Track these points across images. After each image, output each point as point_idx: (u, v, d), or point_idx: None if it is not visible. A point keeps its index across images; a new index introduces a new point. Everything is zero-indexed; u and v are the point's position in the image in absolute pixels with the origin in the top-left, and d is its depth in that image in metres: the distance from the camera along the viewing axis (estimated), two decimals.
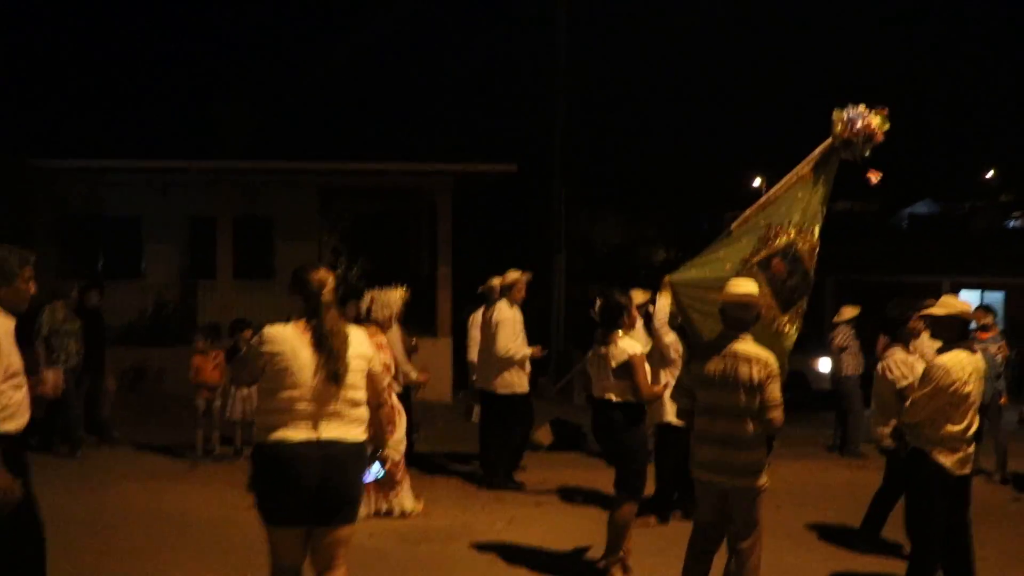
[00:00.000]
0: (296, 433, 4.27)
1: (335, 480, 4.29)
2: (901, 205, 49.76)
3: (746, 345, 5.29)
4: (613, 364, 6.34)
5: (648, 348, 7.74)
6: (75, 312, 10.15)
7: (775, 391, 5.21)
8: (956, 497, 5.64)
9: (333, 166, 17.68)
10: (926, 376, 5.61)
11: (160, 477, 9.15)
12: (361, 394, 4.45)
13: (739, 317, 5.37)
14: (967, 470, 5.66)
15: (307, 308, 4.41)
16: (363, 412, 4.46)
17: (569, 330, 18.93)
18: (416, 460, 9.59)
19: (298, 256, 18.04)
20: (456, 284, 17.09)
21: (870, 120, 6.57)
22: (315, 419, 4.30)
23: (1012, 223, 50.07)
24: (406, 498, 7.89)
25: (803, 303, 6.98)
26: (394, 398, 7.91)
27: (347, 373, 4.35)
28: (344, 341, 4.37)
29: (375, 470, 4.75)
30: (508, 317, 9.00)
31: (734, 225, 6.85)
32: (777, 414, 5.20)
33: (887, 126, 6.63)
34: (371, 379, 4.53)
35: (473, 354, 9.97)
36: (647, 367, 6.52)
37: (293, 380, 4.30)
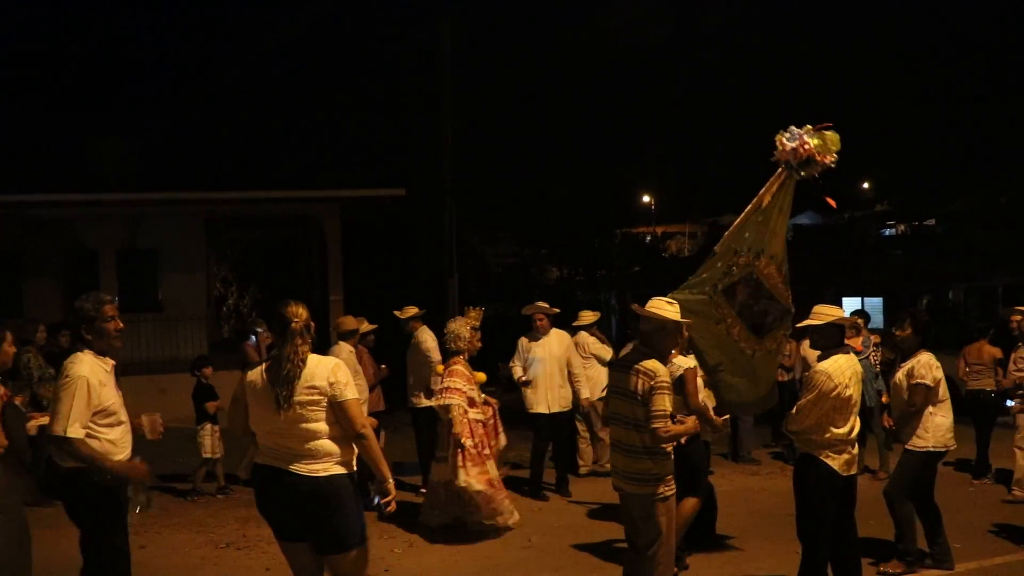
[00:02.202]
0: (262, 460, 4.60)
1: (303, 510, 4.48)
2: None
3: (646, 359, 5.39)
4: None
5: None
6: (45, 356, 9.51)
7: (660, 403, 5.26)
8: (843, 497, 5.83)
9: (217, 195, 17.36)
10: (809, 383, 5.79)
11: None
12: (316, 426, 4.48)
13: (646, 331, 5.55)
14: (853, 471, 5.87)
15: (277, 340, 4.58)
16: (323, 445, 4.49)
17: None
18: None
19: (186, 287, 17.68)
20: (349, 310, 16.92)
21: (806, 141, 6.61)
22: (274, 450, 4.53)
23: (888, 232, 52.12)
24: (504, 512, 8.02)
25: (784, 328, 7.06)
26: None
27: (292, 399, 4.43)
28: (295, 367, 4.46)
29: (377, 502, 4.83)
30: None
31: (717, 246, 6.94)
32: (659, 424, 5.25)
33: (834, 146, 6.66)
34: (339, 410, 4.52)
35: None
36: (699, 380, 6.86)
37: (253, 413, 4.59)
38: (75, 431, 4.64)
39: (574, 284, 38.60)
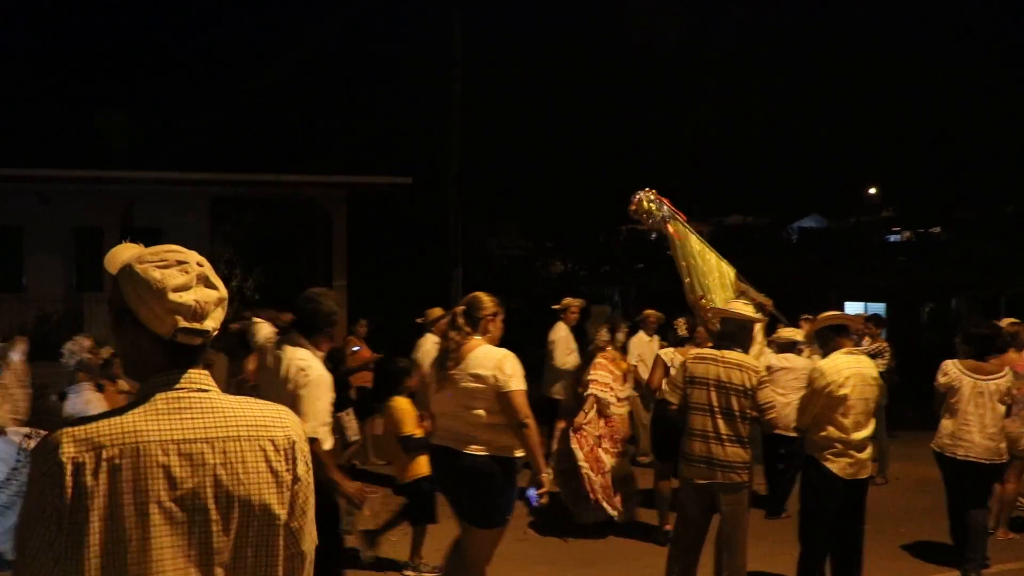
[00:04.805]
0: (438, 441, 5.10)
1: (456, 484, 4.99)
2: (791, 219, 51.28)
3: (737, 354, 5.66)
4: None
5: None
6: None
7: (768, 395, 5.60)
8: (846, 502, 5.74)
9: (223, 176, 17.33)
10: (808, 380, 5.85)
11: None
12: (478, 412, 4.85)
13: (731, 331, 5.79)
14: (860, 475, 5.74)
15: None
16: (483, 430, 4.86)
17: None
18: None
19: None
20: (352, 297, 16.91)
21: (637, 200, 7.37)
22: (446, 431, 5.00)
23: (893, 238, 52.08)
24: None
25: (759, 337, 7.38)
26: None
27: (460, 384, 4.84)
28: (457, 352, 4.90)
29: (530, 494, 5.04)
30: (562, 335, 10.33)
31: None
32: (773, 414, 5.60)
33: (641, 208, 7.32)
34: (501, 399, 4.80)
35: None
36: None
37: (432, 396, 5.14)
38: (323, 432, 4.59)
39: (578, 279, 38.54)
